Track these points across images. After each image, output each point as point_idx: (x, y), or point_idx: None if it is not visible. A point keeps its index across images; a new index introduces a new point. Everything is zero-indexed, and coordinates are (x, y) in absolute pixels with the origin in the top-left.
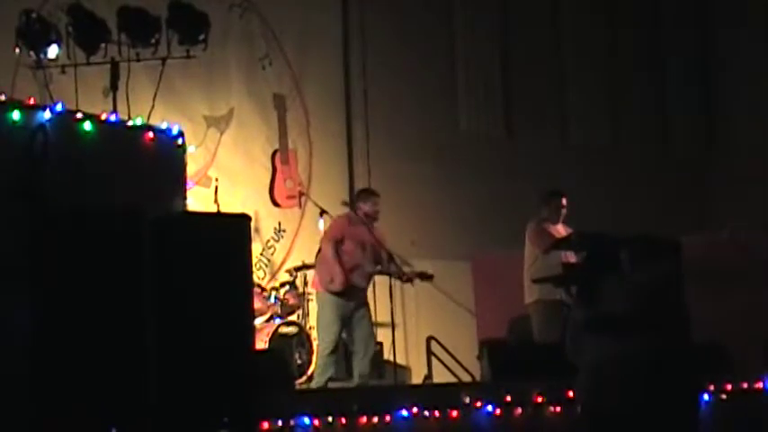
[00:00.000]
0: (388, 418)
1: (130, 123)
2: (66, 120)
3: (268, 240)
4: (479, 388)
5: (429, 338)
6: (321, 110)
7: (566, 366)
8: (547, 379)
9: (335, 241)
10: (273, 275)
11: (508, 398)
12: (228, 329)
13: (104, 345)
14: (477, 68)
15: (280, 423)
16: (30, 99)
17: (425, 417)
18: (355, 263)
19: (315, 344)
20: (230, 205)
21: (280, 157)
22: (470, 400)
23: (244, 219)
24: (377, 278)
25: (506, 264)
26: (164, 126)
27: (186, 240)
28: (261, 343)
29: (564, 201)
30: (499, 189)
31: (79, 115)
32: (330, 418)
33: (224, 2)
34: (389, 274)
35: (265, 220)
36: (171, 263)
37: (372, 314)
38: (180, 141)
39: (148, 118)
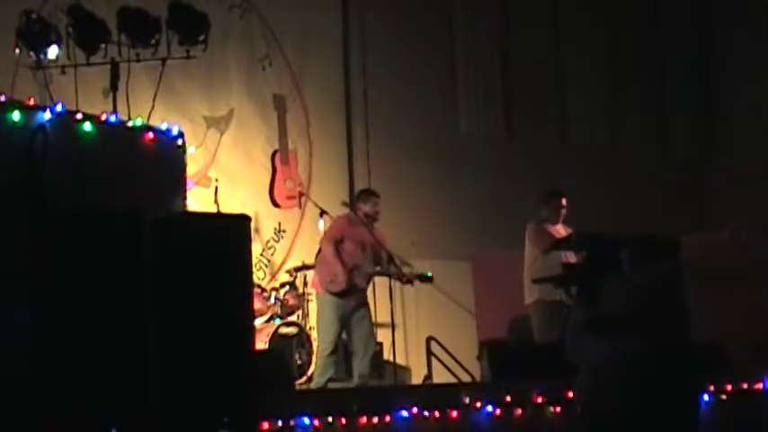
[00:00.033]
0: (387, 418)
1: (130, 124)
2: (67, 120)
3: (268, 241)
4: (479, 388)
5: (429, 339)
6: (321, 110)
7: (566, 367)
8: (547, 379)
9: (335, 241)
10: (273, 276)
11: (508, 398)
12: (228, 330)
13: (104, 345)
14: (478, 69)
15: (280, 423)
16: (30, 100)
17: (425, 417)
18: (355, 263)
19: (315, 344)
20: (230, 206)
21: (280, 157)
22: (470, 401)
23: (244, 219)
24: (377, 278)
25: (506, 264)
26: (164, 127)
27: (186, 241)
28: (261, 343)
29: (564, 201)
30: (499, 189)
31: (79, 116)
32: (330, 419)
33: (224, 2)
34: (389, 275)
35: (265, 220)
36: (171, 263)
37: (372, 314)
38: (180, 142)
39: (148, 118)
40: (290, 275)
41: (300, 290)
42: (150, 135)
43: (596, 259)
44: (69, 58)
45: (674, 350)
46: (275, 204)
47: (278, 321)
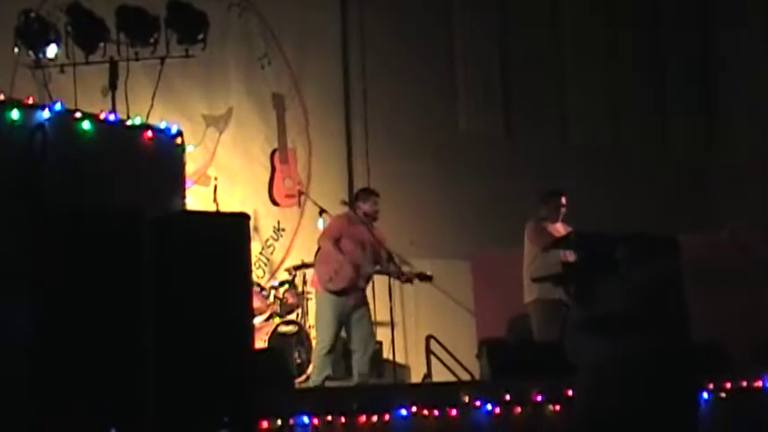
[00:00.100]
0: (387, 417)
1: (129, 123)
2: (65, 119)
3: (267, 239)
4: (478, 387)
5: (428, 337)
6: (320, 109)
7: (565, 366)
8: (546, 378)
9: (334, 239)
10: (273, 274)
11: (507, 397)
12: (228, 329)
13: (104, 344)
14: (477, 68)
15: (279, 422)
16: (29, 98)
17: (425, 416)
18: (354, 262)
19: (314, 343)
20: (229, 204)
21: (279, 156)
22: (469, 399)
23: (243, 218)
24: (376, 277)
25: (506, 263)
26: (163, 125)
27: (185, 240)
28: (260, 342)
29: (563, 200)
30: (498, 188)
31: (78, 115)
32: (329, 417)
33: (223, 1)
34: (389, 274)
35: (264, 219)
36: (170, 262)
37: (372, 313)
38: (179, 140)
39: (147, 117)
40: (290, 274)
41: (300, 288)
42: (149, 134)
43: (595, 258)
44: (68, 57)
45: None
46: (274, 203)
47: (277, 320)
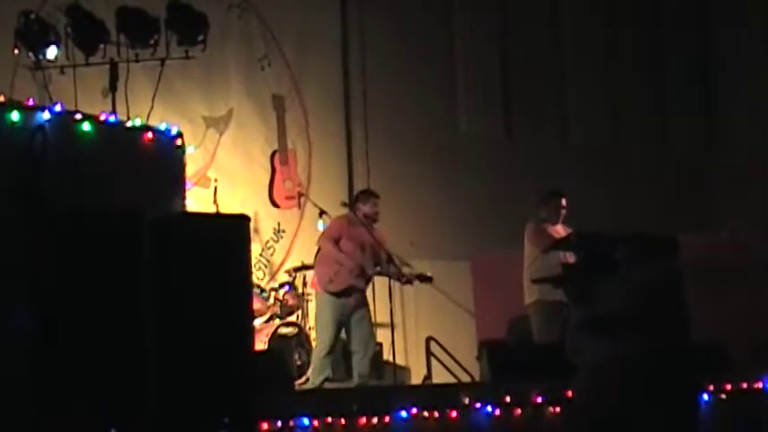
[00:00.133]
0: (387, 418)
1: (129, 124)
2: (66, 120)
3: (267, 241)
4: (479, 388)
5: (428, 339)
6: (320, 110)
7: (565, 366)
8: (546, 379)
9: (333, 240)
10: (273, 276)
11: (507, 398)
12: (228, 330)
13: (104, 345)
14: (477, 69)
15: (279, 424)
16: (29, 100)
17: (425, 417)
18: (354, 264)
19: (314, 344)
20: (229, 206)
21: (279, 157)
22: (470, 401)
23: (243, 219)
24: (376, 279)
25: (506, 264)
26: (163, 127)
27: (185, 241)
28: (260, 344)
29: (563, 201)
30: (499, 189)
31: (78, 116)
32: (330, 419)
33: (223, 2)
34: (389, 276)
35: (264, 220)
36: (170, 263)
37: (372, 314)
38: (179, 142)
39: (147, 119)
40: (290, 275)
41: (300, 290)
42: (149, 135)
43: (596, 259)
44: (68, 59)
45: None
46: (274, 204)
47: (277, 321)
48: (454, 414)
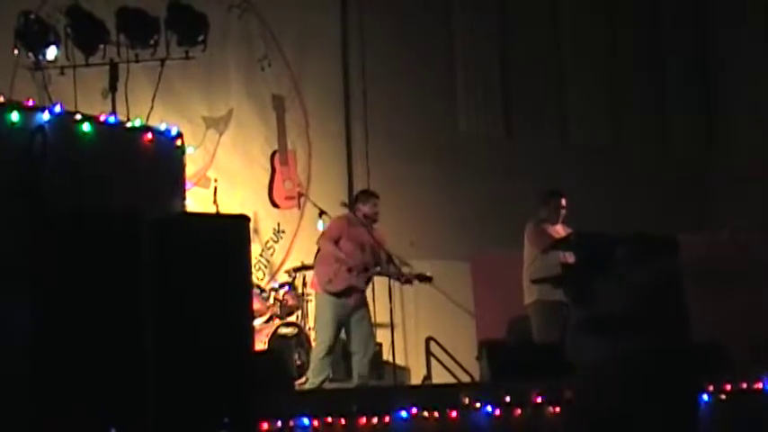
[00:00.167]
0: (387, 418)
1: (129, 124)
2: (65, 121)
3: (267, 241)
4: (478, 388)
5: (428, 339)
6: (320, 111)
7: (565, 367)
8: (546, 379)
9: (333, 240)
10: (273, 276)
11: (507, 398)
12: (228, 330)
13: (104, 345)
14: (477, 69)
15: (279, 424)
16: (28, 100)
17: (425, 417)
18: (354, 264)
19: (314, 344)
20: (229, 206)
21: (279, 157)
22: (469, 401)
23: (243, 220)
24: (376, 279)
25: (506, 264)
26: (162, 127)
27: (185, 241)
28: (260, 344)
29: (563, 201)
30: (498, 189)
31: (78, 116)
32: (329, 419)
33: (223, 3)
34: (388, 276)
35: (264, 220)
36: (170, 264)
37: (372, 315)
38: (179, 142)
39: (147, 119)
40: (290, 276)
41: (300, 290)
42: (149, 135)
43: (595, 259)
44: (68, 59)
45: (673, 350)
46: (274, 205)
47: (277, 322)
48: (454, 414)
